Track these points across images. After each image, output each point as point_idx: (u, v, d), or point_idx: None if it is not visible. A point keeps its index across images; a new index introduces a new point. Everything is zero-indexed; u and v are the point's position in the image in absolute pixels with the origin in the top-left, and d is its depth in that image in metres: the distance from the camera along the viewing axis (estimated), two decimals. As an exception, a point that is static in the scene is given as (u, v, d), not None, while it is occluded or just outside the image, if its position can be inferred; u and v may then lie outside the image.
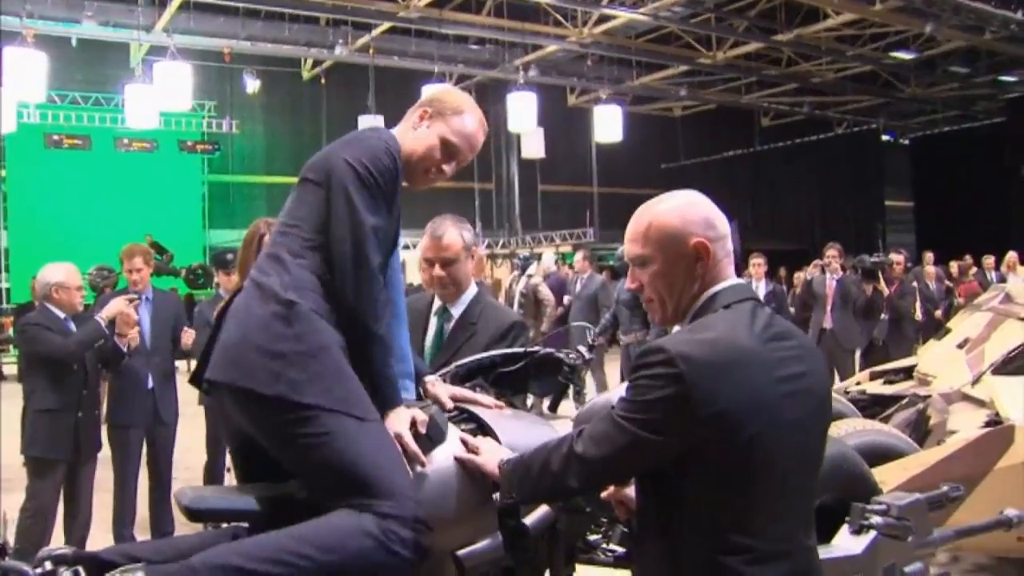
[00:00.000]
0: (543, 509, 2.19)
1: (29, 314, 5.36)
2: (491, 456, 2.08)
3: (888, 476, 4.29)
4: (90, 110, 19.06)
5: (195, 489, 2.19)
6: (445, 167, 2.41)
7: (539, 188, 23.70)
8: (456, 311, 3.24)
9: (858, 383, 6.36)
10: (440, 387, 2.47)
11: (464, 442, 2.18)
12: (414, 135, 2.38)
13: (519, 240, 22.05)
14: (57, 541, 4.86)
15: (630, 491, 2.01)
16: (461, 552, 2.10)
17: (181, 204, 19.84)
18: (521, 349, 2.78)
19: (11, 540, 2.13)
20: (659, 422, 1.71)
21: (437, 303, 3.30)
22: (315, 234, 2.20)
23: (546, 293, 10.78)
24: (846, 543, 2.41)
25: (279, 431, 2.07)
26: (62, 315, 5.07)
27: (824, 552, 2.37)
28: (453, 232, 3.19)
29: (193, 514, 2.09)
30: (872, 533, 2.40)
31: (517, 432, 2.28)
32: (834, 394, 5.85)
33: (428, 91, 2.53)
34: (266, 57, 18.43)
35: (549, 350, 2.77)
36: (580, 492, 1.92)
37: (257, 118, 21.65)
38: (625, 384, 1.86)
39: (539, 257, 13.80)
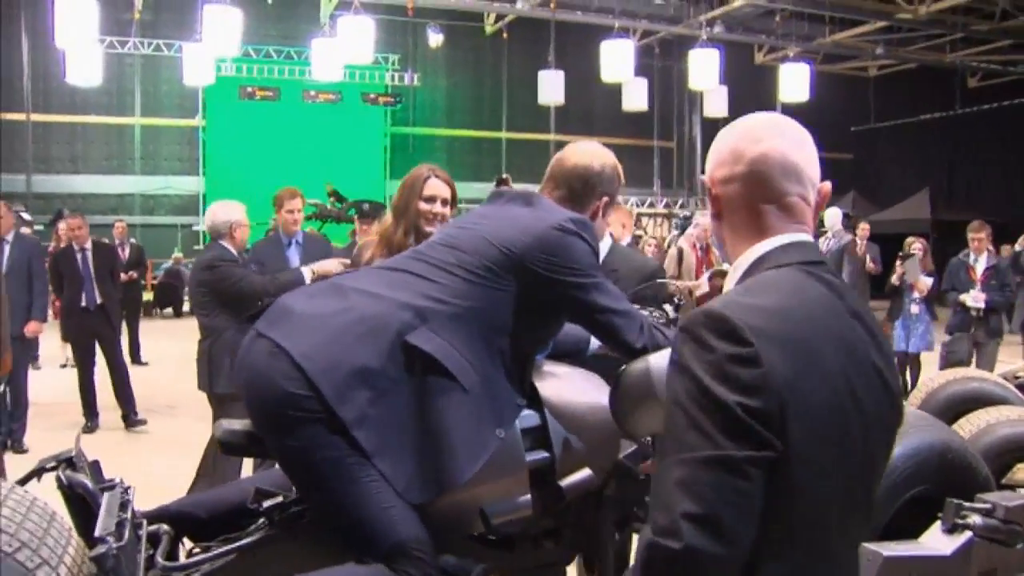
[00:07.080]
0: (584, 472, 2.11)
1: (209, 253, 5.14)
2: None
3: (1041, 473, 3.92)
4: (280, 63, 19.97)
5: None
6: None
7: (723, 148, 22.96)
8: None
9: (1032, 369, 5.82)
10: None
11: None
12: (597, 226, 2.36)
13: (699, 201, 21.49)
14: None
15: None
16: (489, 508, 2.08)
17: (364, 154, 20.52)
18: None
19: (87, 455, 2.25)
20: None
21: None
22: (468, 300, 2.12)
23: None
24: (934, 542, 2.17)
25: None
26: (235, 252, 5.05)
27: (908, 549, 2.18)
28: None
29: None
30: (967, 534, 2.16)
31: (563, 391, 2.23)
32: (999, 379, 5.43)
33: (583, 163, 2.37)
34: (448, 11, 18.71)
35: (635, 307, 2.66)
36: None
37: (439, 71, 22.06)
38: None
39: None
